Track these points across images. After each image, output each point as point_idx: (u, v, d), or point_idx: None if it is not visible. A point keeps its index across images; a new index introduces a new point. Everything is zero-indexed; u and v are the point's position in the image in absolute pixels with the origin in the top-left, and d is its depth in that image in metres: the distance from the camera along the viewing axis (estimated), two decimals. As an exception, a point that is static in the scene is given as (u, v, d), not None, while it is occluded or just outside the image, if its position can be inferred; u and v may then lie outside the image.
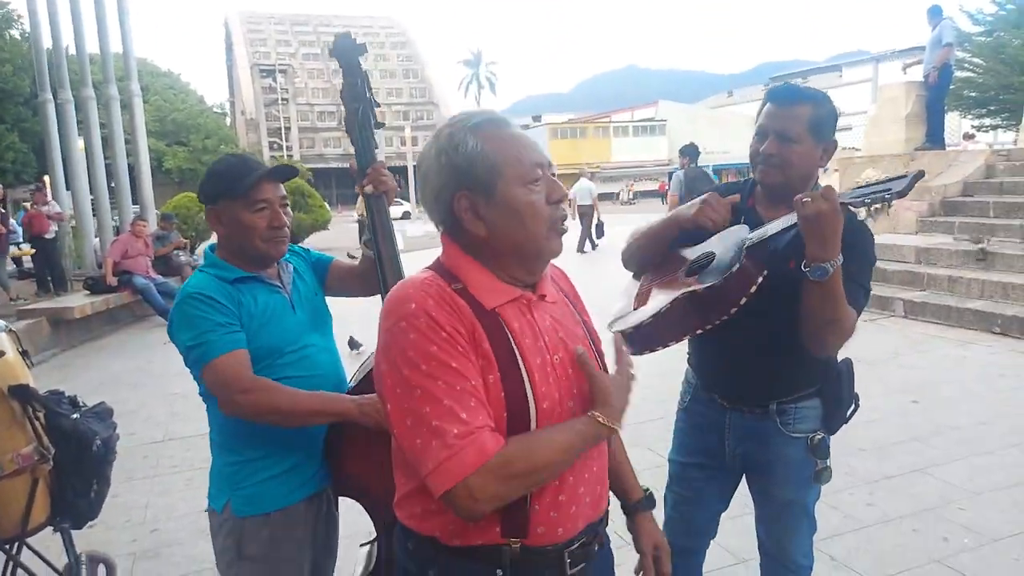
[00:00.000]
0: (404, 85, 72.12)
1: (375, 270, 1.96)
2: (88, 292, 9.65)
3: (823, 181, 1.94)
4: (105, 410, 2.94)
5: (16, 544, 2.61)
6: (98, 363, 7.75)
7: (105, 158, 12.14)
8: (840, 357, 1.96)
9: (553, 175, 1.25)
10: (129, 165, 12.60)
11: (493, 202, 1.19)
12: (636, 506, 1.50)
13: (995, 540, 3.15)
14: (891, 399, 5.08)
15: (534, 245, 1.22)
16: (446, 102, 70.18)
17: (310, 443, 1.82)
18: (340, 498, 2.00)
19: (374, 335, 1.22)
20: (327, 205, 19.56)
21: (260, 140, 62.30)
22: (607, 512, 1.36)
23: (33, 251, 11.95)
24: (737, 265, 1.67)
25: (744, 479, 2.14)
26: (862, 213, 1.62)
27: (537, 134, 62.69)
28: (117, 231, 11.60)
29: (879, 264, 8.53)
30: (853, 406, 1.98)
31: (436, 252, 1.29)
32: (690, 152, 9.81)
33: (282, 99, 64.86)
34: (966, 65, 21.09)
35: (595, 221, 15.87)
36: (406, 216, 34.56)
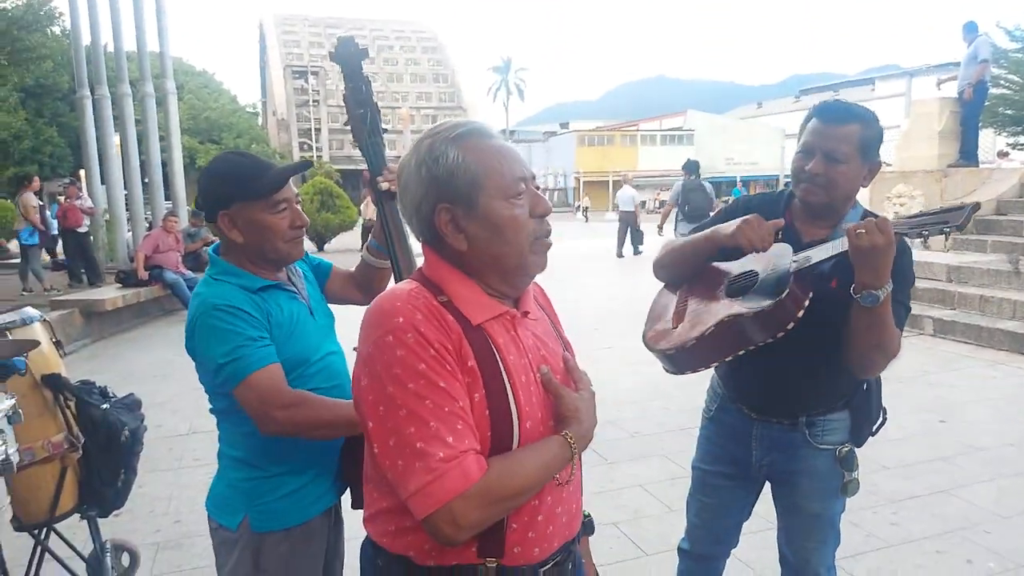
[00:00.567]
0: (434, 89, 72.50)
1: (378, 279, 1.93)
2: (119, 285, 9.84)
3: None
4: (134, 401, 3.00)
5: (44, 530, 2.67)
6: (128, 355, 7.89)
7: (139, 154, 12.37)
8: None
9: (537, 188, 1.22)
10: (162, 161, 12.82)
11: (474, 215, 1.16)
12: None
13: (1021, 566, 3.09)
14: (918, 418, 5.01)
15: (516, 260, 1.19)
16: (475, 107, 70.38)
17: (326, 456, 1.78)
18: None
19: None
20: (354, 206, 19.72)
21: (291, 141, 62.94)
22: (579, 532, 1.35)
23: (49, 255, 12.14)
24: (786, 292, 1.65)
25: (769, 491, 2.13)
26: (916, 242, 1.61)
27: (565, 141, 62.69)
28: (149, 226, 11.80)
29: (908, 281, 8.40)
30: (881, 419, 1.99)
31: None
32: (690, 167, 10.63)
33: (313, 101, 65.46)
34: (1002, 82, 20.77)
35: (636, 228, 16.05)
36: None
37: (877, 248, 1.55)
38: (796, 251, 1.76)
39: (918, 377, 6.05)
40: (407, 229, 1.83)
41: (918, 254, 8.86)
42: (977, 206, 1.62)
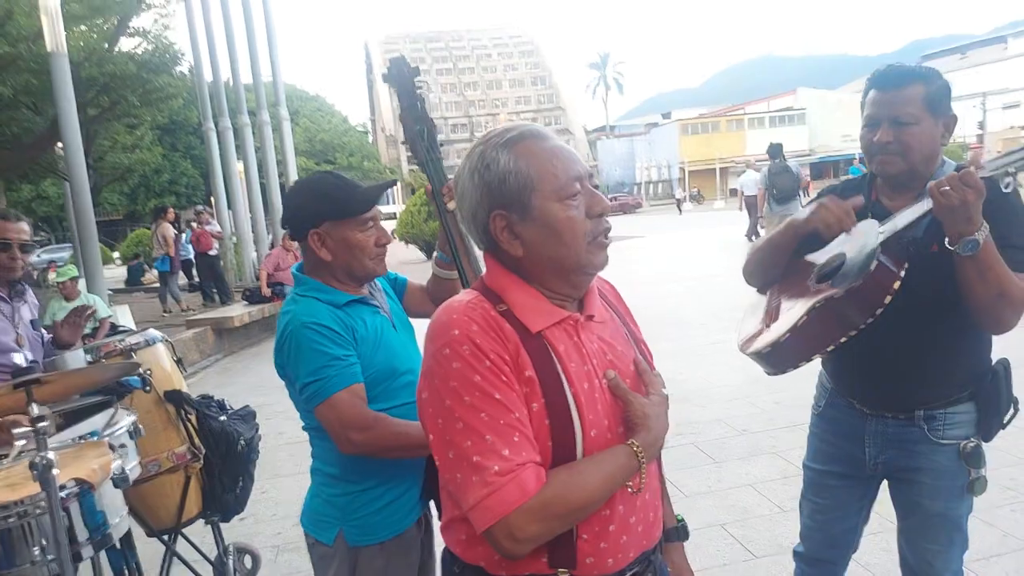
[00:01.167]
0: (532, 92, 73.02)
1: (448, 290, 1.93)
2: (246, 302, 10.55)
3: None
4: (249, 413, 3.20)
5: (172, 534, 2.90)
6: (254, 367, 8.43)
7: (260, 178, 13.21)
8: (995, 358, 1.81)
9: (595, 187, 1.19)
10: (281, 184, 13.63)
11: (529, 219, 1.14)
12: (667, 535, 1.42)
13: None
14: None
15: (574, 261, 1.16)
16: (574, 106, 70.38)
17: (416, 468, 1.79)
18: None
19: None
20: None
21: (399, 155, 65.26)
22: (661, 540, 1.31)
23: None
24: (875, 262, 1.57)
25: (887, 489, 1.98)
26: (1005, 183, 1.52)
27: (667, 132, 61.34)
28: (272, 246, 12.59)
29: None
30: (1012, 410, 1.81)
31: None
32: (773, 151, 10.53)
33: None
34: None
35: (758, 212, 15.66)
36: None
37: (968, 203, 1.48)
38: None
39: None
40: (471, 243, 1.88)
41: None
42: None
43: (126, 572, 2.78)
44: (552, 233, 1.14)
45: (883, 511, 2.07)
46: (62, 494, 1.68)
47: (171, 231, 12.15)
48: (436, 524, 1.58)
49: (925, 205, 1.57)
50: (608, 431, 1.15)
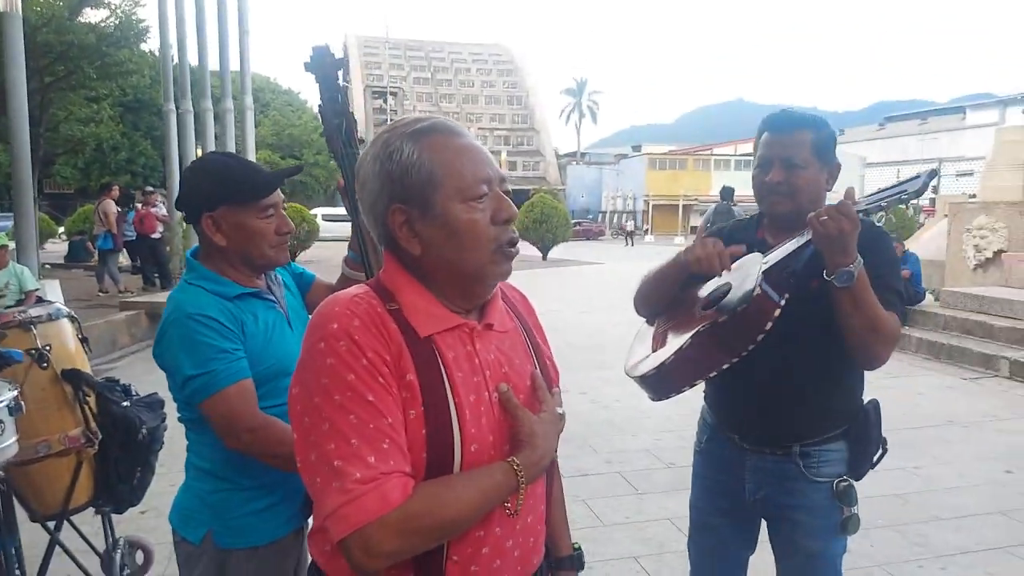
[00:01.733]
0: (507, 111, 73.39)
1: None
2: (187, 291, 10.22)
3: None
4: (156, 401, 3.04)
5: (58, 521, 2.73)
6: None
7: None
8: (867, 398, 1.89)
9: (506, 192, 1.12)
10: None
11: (429, 217, 1.07)
12: (560, 563, 1.36)
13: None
14: (982, 466, 4.64)
15: (474, 267, 1.10)
16: (547, 129, 70.86)
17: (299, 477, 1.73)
18: None
19: None
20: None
21: (367, 157, 64.97)
22: (542, 567, 1.24)
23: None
24: (757, 288, 1.61)
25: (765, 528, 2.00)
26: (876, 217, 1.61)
27: (635, 164, 62.32)
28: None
29: (985, 319, 7.94)
30: (881, 450, 1.87)
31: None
32: (725, 193, 11.35)
33: (391, 119, 67.47)
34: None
35: None
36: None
37: (844, 233, 1.57)
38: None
39: (986, 422, 5.62)
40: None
41: (997, 291, 8.37)
42: (934, 173, 1.65)
43: (2, 557, 2.62)
44: (452, 235, 1.07)
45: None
46: (-91, 466, 1.54)
47: (113, 208, 11.73)
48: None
49: (804, 236, 1.66)
50: (492, 447, 1.09)
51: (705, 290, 1.82)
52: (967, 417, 5.61)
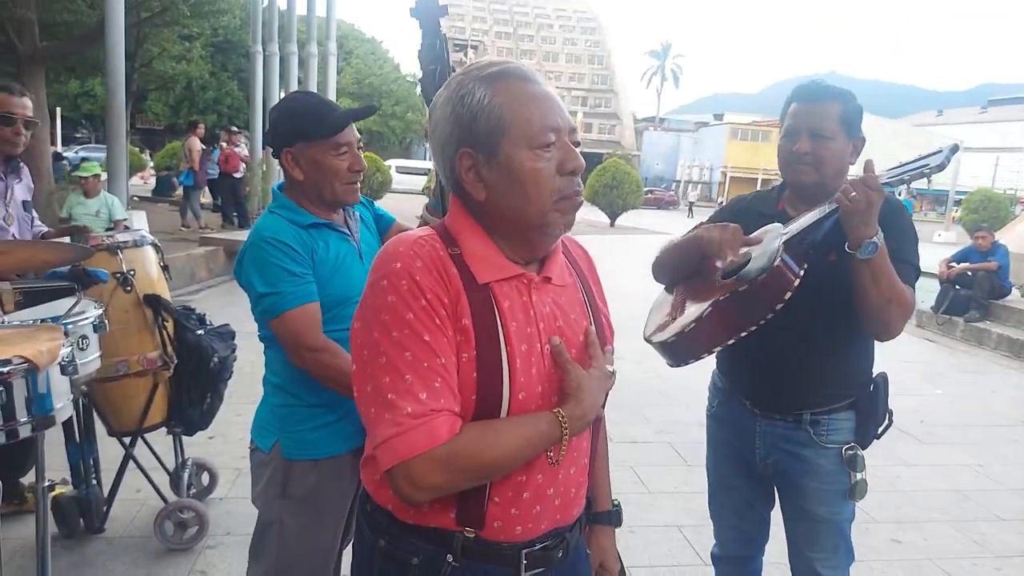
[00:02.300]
0: (587, 71, 72.08)
1: None
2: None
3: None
4: (228, 332, 3.19)
5: (133, 438, 2.90)
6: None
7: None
8: (876, 371, 1.93)
9: (576, 144, 1.11)
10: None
11: (495, 163, 1.08)
12: (597, 517, 1.38)
13: None
14: (1055, 471, 4.42)
15: (535, 217, 1.10)
16: (626, 92, 69.40)
17: None
18: None
19: None
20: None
21: (444, 111, 65.14)
22: (581, 519, 1.26)
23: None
24: (778, 259, 1.64)
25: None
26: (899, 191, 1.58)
27: (715, 133, 60.41)
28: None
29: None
30: (887, 421, 1.92)
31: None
32: None
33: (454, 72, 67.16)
34: None
35: None
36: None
37: (872, 203, 1.59)
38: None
39: (1065, 426, 5.33)
40: None
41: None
42: (956, 147, 1.63)
43: (81, 466, 2.82)
44: (515, 182, 1.08)
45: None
46: (4, 369, 1.67)
47: (198, 145, 12.13)
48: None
49: (826, 209, 1.69)
50: (540, 397, 1.11)
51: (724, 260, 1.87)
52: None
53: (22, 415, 1.74)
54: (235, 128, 13.50)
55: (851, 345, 1.86)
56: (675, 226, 26.69)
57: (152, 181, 20.34)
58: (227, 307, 7.77)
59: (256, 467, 1.86)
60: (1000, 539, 3.47)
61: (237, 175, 12.15)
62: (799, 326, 1.77)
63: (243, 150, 12.78)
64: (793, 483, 1.94)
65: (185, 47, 19.18)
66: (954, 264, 9.01)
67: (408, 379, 1.02)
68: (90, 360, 2.25)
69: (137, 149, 23.03)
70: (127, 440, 2.92)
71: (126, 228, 6.61)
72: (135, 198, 14.28)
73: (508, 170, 1.08)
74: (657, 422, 4.83)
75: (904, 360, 7.33)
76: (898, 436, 4.75)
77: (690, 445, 4.37)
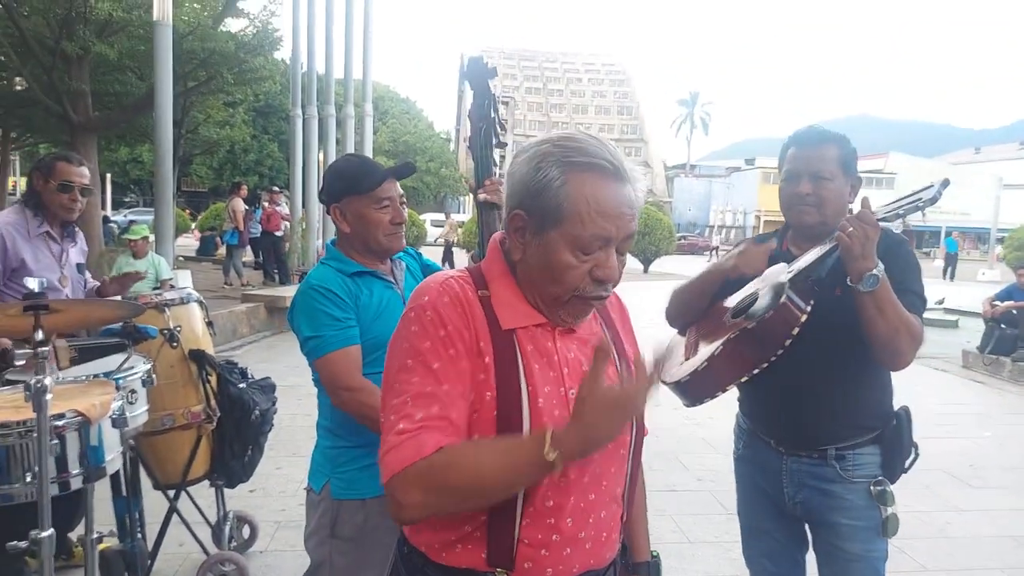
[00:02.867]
0: (617, 121, 73.00)
1: None
2: (302, 286, 10.78)
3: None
4: (269, 385, 3.27)
5: (177, 491, 2.97)
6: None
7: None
8: (897, 405, 1.94)
9: (626, 247, 1.14)
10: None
11: (539, 239, 1.13)
12: (637, 569, 1.38)
13: None
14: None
15: (552, 299, 1.16)
16: (656, 140, 69.99)
17: None
18: None
19: None
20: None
21: (477, 165, 66.28)
22: (615, 563, 1.26)
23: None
24: (784, 296, 1.70)
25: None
26: (895, 225, 1.70)
27: (747, 178, 60.29)
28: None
29: None
30: (913, 455, 1.93)
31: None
32: None
33: (501, 128, 68.49)
34: None
35: None
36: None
37: (870, 238, 1.64)
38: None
39: None
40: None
41: None
42: (947, 182, 1.72)
43: (127, 520, 2.88)
44: (548, 265, 1.13)
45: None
46: (59, 423, 1.76)
47: (241, 206, 12.57)
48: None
49: (827, 246, 1.74)
50: None
51: (733, 301, 1.92)
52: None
53: (74, 467, 1.82)
54: (276, 188, 13.94)
55: (866, 377, 1.88)
56: (710, 272, 26.52)
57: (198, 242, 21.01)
58: (268, 362, 7.97)
59: (309, 507, 1.95)
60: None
61: (278, 233, 12.53)
62: (813, 362, 1.81)
63: (284, 209, 13.18)
64: (824, 521, 1.93)
65: (229, 113, 20.04)
66: (998, 303, 8.80)
67: (409, 403, 1.08)
68: (139, 414, 2.34)
69: (183, 211, 23.92)
70: (171, 493, 2.99)
71: (172, 287, 6.87)
72: (180, 258, 14.76)
73: (546, 252, 1.12)
74: (696, 470, 4.76)
75: (951, 402, 7.12)
76: (947, 481, 4.61)
77: (731, 493, 4.22)
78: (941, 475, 4.68)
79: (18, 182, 23.90)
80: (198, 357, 2.92)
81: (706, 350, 1.82)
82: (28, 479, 1.74)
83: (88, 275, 3.19)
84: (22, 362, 1.83)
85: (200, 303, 3.10)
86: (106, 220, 16.93)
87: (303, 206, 13.67)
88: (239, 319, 9.18)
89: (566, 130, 1.21)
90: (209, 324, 3.12)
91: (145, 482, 3.01)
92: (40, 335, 1.58)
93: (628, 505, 1.29)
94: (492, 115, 2.06)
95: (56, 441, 1.75)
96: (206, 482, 3.08)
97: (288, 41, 13.70)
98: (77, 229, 3.05)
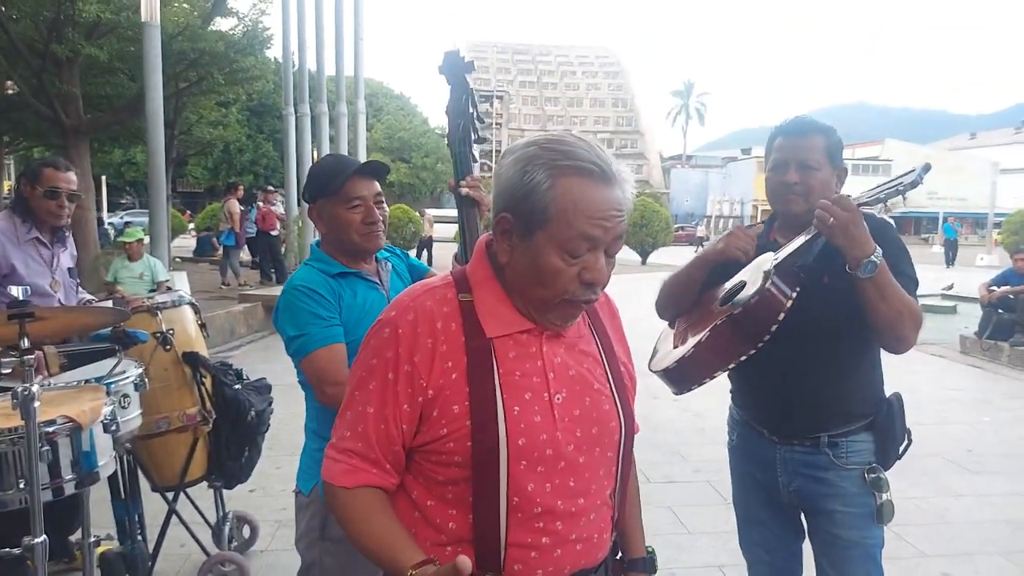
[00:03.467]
0: (612, 113, 72.96)
1: None
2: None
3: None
4: (264, 385, 3.27)
5: (175, 493, 2.97)
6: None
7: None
8: (893, 391, 1.95)
9: (615, 248, 1.13)
10: (347, 175, 13.91)
11: (526, 242, 1.11)
12: (632, 565, 1.37)
13: None
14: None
15: (540, 304, 1.15)
16: (652, 132, 69.94)
17: None
18: None
19: None
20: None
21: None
22: (605, 562, 1.26)
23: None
24: (769, 282, 1.72)
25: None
26: (878, 210, 1.75)
27: (743, 168, 60.28)
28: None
29: None
30: (906, 441, 1.94)
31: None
32: None
33: (496, 123, 68.22)
34: None
35: None
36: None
37: (843, 221, 1.66)
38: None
39: None
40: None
41: None
42: (928, 167, 1.72)
43: (127, 522, 2.89)
44: (535, 268, 1.11)
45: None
46: (50, 429, 1.76)
47: (237, 207, 12.56)
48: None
49: (811, 233, 1.77)
50: (549, 444, 1.13)
51: (721, 290, 1.93)
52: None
53: (67, 473, 1.82)
54: (271, 187, 13.92)
55: (856, 364, 1.90)
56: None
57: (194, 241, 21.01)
58: (267, 361, 7.94)
59: (298, 510, 1.95)
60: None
61: (274, 233, 12.52)
62: (802, 349, 1.82)
63: (279, 208, 13.17)
64: (819, 509, 1.94)
65: (222, 112, 19.93)
66: (994, 288, 8.81)
67: (348, 416, 1.17)
68: (132, 418, 2.34)
69: (179, 212, 23.86)
70: (170, 495, 2.99)
71: (168, 289, 6.86)
72: (177, 259, 14.75)
73: (533, 255, 1.11)
74: (694, 461, 4.77)
75: (949, 388, 7.14)
76: (945, 466, 4.63)
77: (729, 484, 4.28)
78: (939, 460, 4.70)
79: (14, 186, 23.86)
80: (192, 359, 2.92)
81: (694, 338, 1.83)
82: (21, 485, 1.74)
83: (79, 280, 3.18)
84: (8, 370, 1.82)
85: (192, 305, 3.10)
86: (101, 223, 16.88)
87: (298, 205, 13.67)
88: (236, 319, 9.17)
89: (553, 132, 1.20)
90: (202, 326, 3.12)
91: (145, 484, 3.02)
92: (26, 343, 1.57)
93: (620, 504, 1.29)
94: (471, 111, 1.97)
95: (47, 447, 1.75)
96: (205, 483, 3.08)
97: (278, 39, 13.61)
98: (67, 234, 3.04)
